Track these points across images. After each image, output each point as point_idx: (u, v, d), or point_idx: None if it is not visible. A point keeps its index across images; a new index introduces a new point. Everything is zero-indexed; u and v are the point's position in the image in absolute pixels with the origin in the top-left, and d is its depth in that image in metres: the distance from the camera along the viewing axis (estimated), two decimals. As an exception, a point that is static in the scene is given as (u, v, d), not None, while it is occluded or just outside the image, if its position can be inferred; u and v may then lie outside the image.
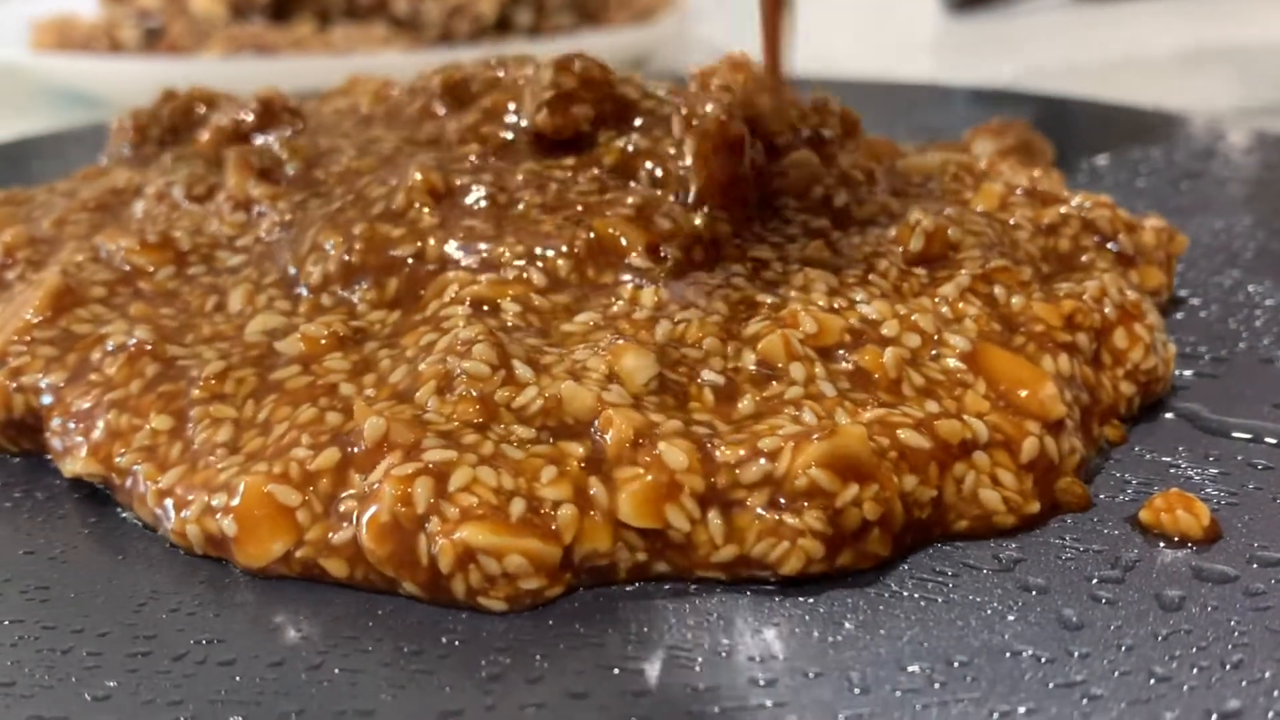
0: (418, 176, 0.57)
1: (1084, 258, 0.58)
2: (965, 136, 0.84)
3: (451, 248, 0.54)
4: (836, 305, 0.50)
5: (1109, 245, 0.59)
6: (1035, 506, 0.44)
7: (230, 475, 0.44)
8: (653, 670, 0.37)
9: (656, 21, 1.47)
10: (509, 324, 0.49)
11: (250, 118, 0.72)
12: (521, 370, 0.45)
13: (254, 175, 0.63)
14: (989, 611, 0.39)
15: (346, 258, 0.54)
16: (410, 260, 0.54)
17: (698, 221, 0.55)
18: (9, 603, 0.42)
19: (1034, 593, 0.40)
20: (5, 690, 0.37)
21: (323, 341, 0.50)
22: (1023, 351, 0.49)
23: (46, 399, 0.50)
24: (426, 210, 0.56)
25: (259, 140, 0.70)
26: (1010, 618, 0.39)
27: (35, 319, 0.53)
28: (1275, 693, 0.35)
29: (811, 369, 0.47)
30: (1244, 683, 0.35)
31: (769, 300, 0.51)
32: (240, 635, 0.40)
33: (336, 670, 0.38)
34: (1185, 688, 0.35)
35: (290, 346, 0.50)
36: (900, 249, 0.55)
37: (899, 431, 0.44)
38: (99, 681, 0.37)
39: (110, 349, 0.50)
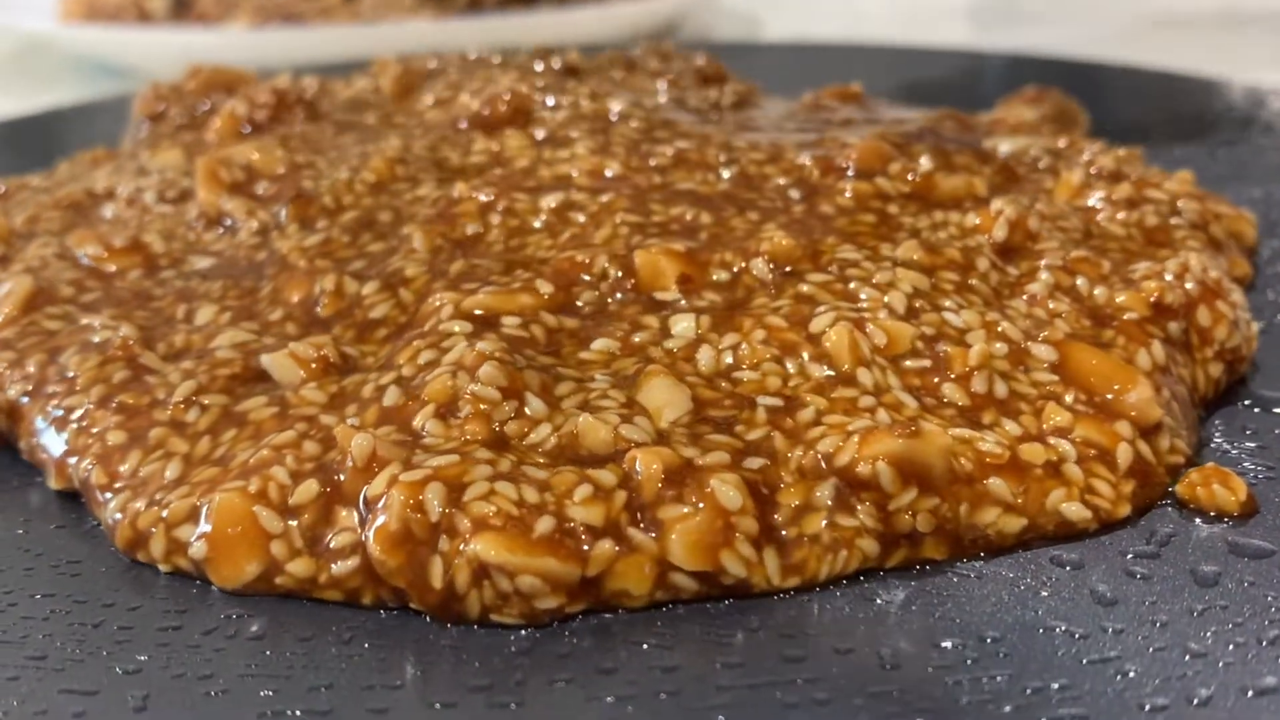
0: (418, 244, 0.55)
1: (1177, 235, 0.57)
2: (998, 104, 0.84)
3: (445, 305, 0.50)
4: (919, 305, 0.49)
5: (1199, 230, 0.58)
6: (1125, 510, 0.42)
7: (186, 498, 0.42)
8: (680, 646, 0.37)
9: None
10: (514, 337, 0.47)
11: (262, 114, 0.73)
12: (535, 405, 0.43)
13: (225, 189, 0.62)
14: (1022, 587, 0.39)
15: (318, 309, 0.52)
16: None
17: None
18: (41, 577, 0.42)
19: (1067, 568, 0.40)
20: (37, 664, 0.37)
21: (312, 365, 0.47)
22: (1113, 346, 0.48)
23: (24, 399, 0.49)
24: (425, 273, 0.53)
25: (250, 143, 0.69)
26: (1044, 593, 0.39)
27: (7, 318, 0.53)
28: (1313, 669, 0.34)
29: (884, 376, 0.45)
30: (1281, 659, 0.35)
31: (840, 305, 0.48)
32: (269, 611, 0.40)
33: (366, 645, 0.38)
34: (1221, 664, 0.35)
35: (279, 366, 0.47)
36: (986, 238, 0.54)
37: (984, 455, 0.42)
38: (129, 655, 0.37)
39: (94, 342, 0.50)
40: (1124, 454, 0.44)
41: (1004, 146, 0.68)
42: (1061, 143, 0.69)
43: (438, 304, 0.49)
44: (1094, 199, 0.60)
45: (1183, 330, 0.50)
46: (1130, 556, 0.40)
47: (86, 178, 0.71)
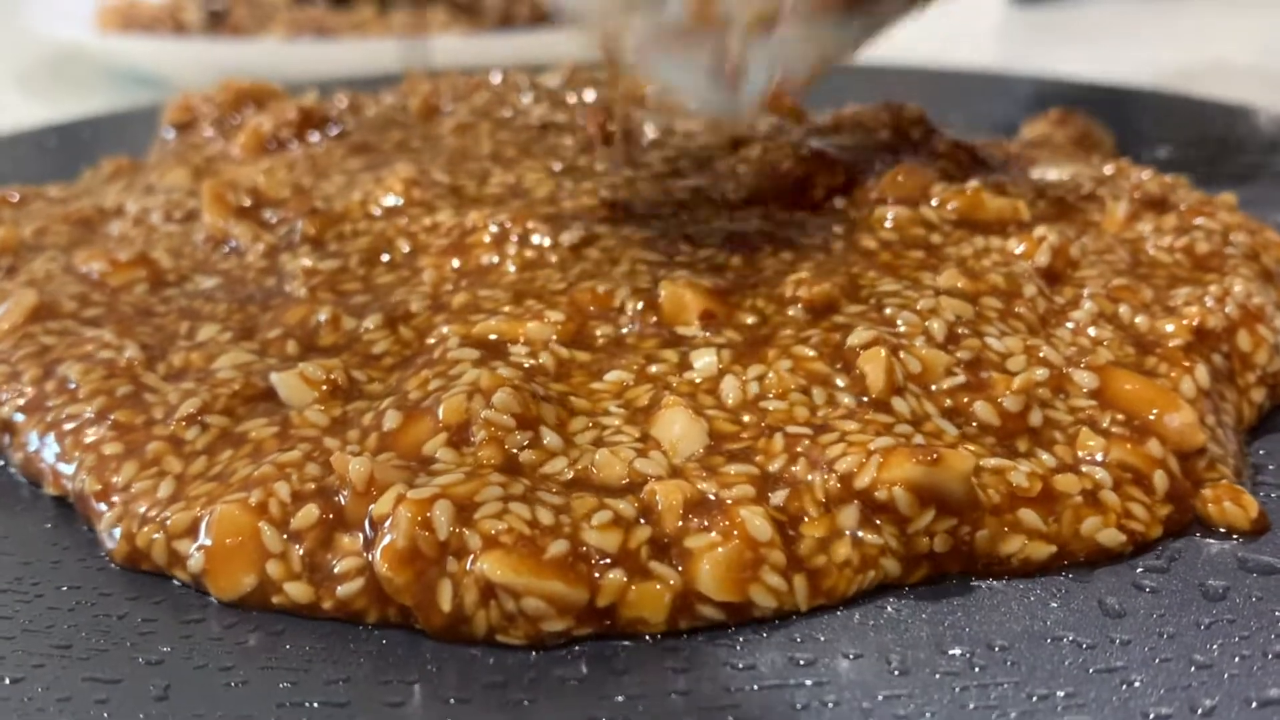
0: (427, 278, 0.56)
1: (1229, 263, 0.56)
2: (1023, 126, 0.84)
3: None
4: (961, 332, 0.48)
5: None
6: (1158, 533, 0.42)
7: (185, 511, 0.42)
8: (690, 646, 0.38)
9: None
10: (525, 366, 0.47)
11: (288, 131, 0.74)
12: (551, 439, 0.43)
13: (232, 213, 0.62)
14: (1031, 598, 0.39)
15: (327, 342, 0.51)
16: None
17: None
18: (67, 570, 0.43)
19: (1077, 581, 0.40)
20: (62, 652, 0.38)
21: (323, 386, 0.47)
22: (1156, 374, 0.48)
23: (19, 416, 0.49)
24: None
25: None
26: (1053, 604, 0.39)
27: (12, 329, 0.53)
28: (1319, 683, 0.35)
29: (920, 405, 0.45)
30: (1286, 672, 0.35)
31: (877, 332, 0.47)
32: (290, 606, 0.40)
33: (384, 641, 0.38)
34: (1226, 676, 0.35)
35: (288, 386, 0.47)
36: (1030, 263, 0.54)
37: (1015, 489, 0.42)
38: (152, 646, 0.38)
39: (99, 358, 0.50)
40: (1160, 480, 0.43)
41: (1052, 174, 0.68)
42: (1108, 169, 0.69)
43: (444, 333, 0.49)
44: (1142, 228, 0.59)
45: (1225, 356, 0.50)
46: (1140, 570, 0.41)
47: (99, 192, 0.72)
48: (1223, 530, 0.43)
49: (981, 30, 1.68)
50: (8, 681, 0.36)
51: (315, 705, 0.35)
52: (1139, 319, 0.51)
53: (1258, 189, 0.77)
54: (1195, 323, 0.50)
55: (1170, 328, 0.50)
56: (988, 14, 1.76)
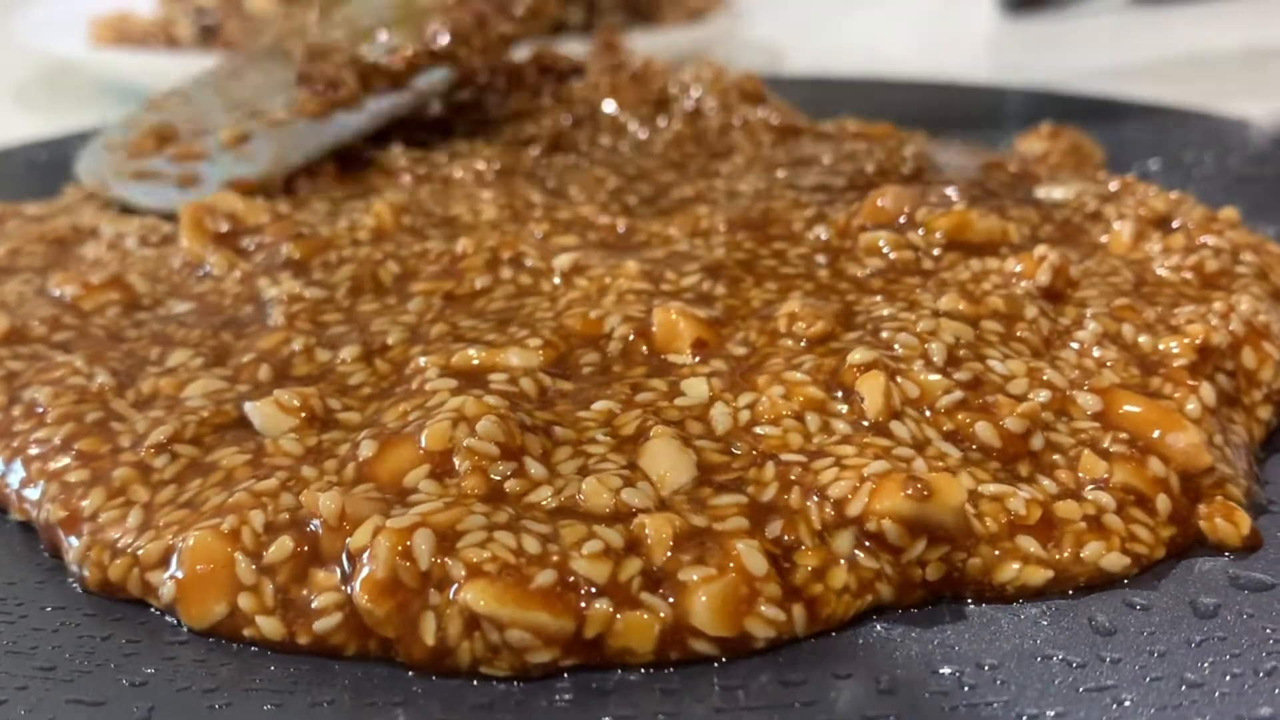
0: (412, 306, 0.55)
1: (1238, 282, 0.56)
2: (1016, 140, 0.84)
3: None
4: (961, 354, 0.48)
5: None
6: (1161, 554, 0.42)
7: (156, 540, 0.41)
8: (679, 668, 0.37)
9: (708, 21, 1.46)
10: (506, 392, 0.45)
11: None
12: (536, 470, 0.42)
13: (210, 239, 0.61)
14: (1022, 616, 0.39)
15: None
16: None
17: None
18: (52, 591, 0.42)
19: (1067, 598, 0.40)
20: (45, 674, 0.37)
21: (301, 414, 0.46)
22: (1161, 395, 0.47)
23: None
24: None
25: None
26: (1043, 622, 0.39)
27: None
28: (1310, 701, 0.34)
29: (920, 429, 0.44)
30: (1277, 690, 0.35)
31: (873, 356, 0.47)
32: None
33: (367, 667, 0.38)
34: (1217, 694, 0.35)
35: (262, 415, 0.46)
36: (1031, 283, 0.53)
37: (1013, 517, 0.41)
38: (136, 668, 0.38)
39: (68, 383, 0.49)
40: (1164, 502, 0.43)
41: (1057, 193, 0.68)
42: (1114, 185, 0.68)
43: (422, 364, 0.48)
44: (1149, 248, 0.59)
45: (1230, 374, 0.50)
46: (1130, 587, 0.41)
47: (77, 210, 0.72)
48: (1215, 546, 0.42)
49: (973, 42, 1.68)
50: (-11, 705, 0.36)
51: (299, 727, 0.35)
52: (1142, 338, 0.50)
53: (1251, 200, 0.77)
54: (1199, 341, 0.49)
55: (1175, 347, 0.49)
56: (979, 26, 1.76)
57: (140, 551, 0.41)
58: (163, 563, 0.41)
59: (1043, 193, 0.69)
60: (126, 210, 0.71)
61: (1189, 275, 0.56)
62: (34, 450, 0.46)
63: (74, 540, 0.43)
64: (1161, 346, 0.50)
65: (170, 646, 0.39)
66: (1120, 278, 0.56)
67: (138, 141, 0.77)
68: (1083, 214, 0.64)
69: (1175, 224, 0.62)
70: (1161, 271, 0.57)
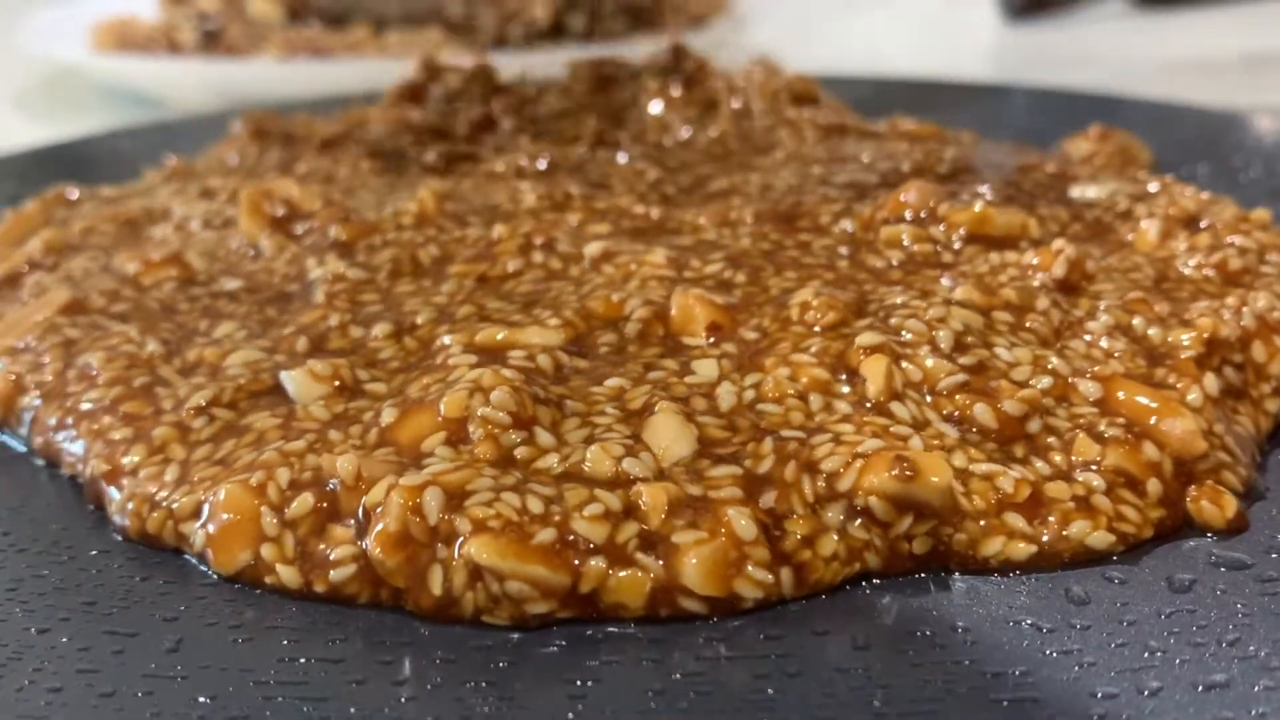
0: (446, 288, 0.58)
1: (1261, 280, 0.57)
2: (1065, 143, 0.85)
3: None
4: (969, 341, 0.49)
5: None
6: (1149, 534, 0.43)
7: (190, 495, 0.44)
8: (669, 625, 0.40)
9: (708, 27, 1.47)
10: (523, 367, 0.48)
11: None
12: (544, 438, 0.44)
13: (268, 224, 0.65)
14: (1002, 586, 0.41)
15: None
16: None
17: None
18: (99, 537, 0.46)
19: (1048, 571, 0.42)
20: (87, 608, 0.41)
21: (335, 383, 0.49)
22: (1165, 385, 0.48)
23: (38, 401, 0.52)
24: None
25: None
26: (1020, 590, 0.41)
27: (43, 322, 0.56)
28: (1267, 669, 0.36)
29: (921, 411, 0.46)
30: (1236, 659, 0.36)
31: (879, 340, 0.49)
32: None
33: (379, 614, 0.41)
34: (1177, 661, 0.37)
35: (297, 383, 0.49)
36: (1046, 275, 0.55)
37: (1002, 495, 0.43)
38: (170, 604, 0.41)
39: (121, 350, 0.53)
40: (1154, 486, 0.44)
41: (1091, 192, 0.69)
42: (1153, 186, 0.69)
43: (446, 342, 0.51)
44: (1175, 246, 0.60)
45: (1239, 367, 0.51)
46: (1112, 564, 0.42)
47: (153, 193, 0.76)
48: (1202, 528, 0.44)
49: (975, 48, 1.68)
50: (34, 631, 0.40)
51: (313, 661, 0.38)
52: (1152, 331, 0.51)
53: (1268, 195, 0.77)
54: (1207, 334, 0.50)
55: (1185, 339, 0.50)
56: (981, 31, 1.75)
57: (175, 505, 0.44)
58: (195, 514, 0.44)
59: (1076, 192, 0.70)
60: (205, 192, 0.74)
61: (1211, 273, 0.57)
62: (84, 409, 0.50)
63: (115, 492, 0.46)
64: (1171, 339, 0.51)
65: (200, 589, 0.42)
66: (1141, 274, 0.57)
67: None
68: (1114, 213, 0.65)
69: (1204, 224, 0.62)
70: (1184, 269, 0.58)
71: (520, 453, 0.44)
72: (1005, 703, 0.35)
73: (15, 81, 1.49)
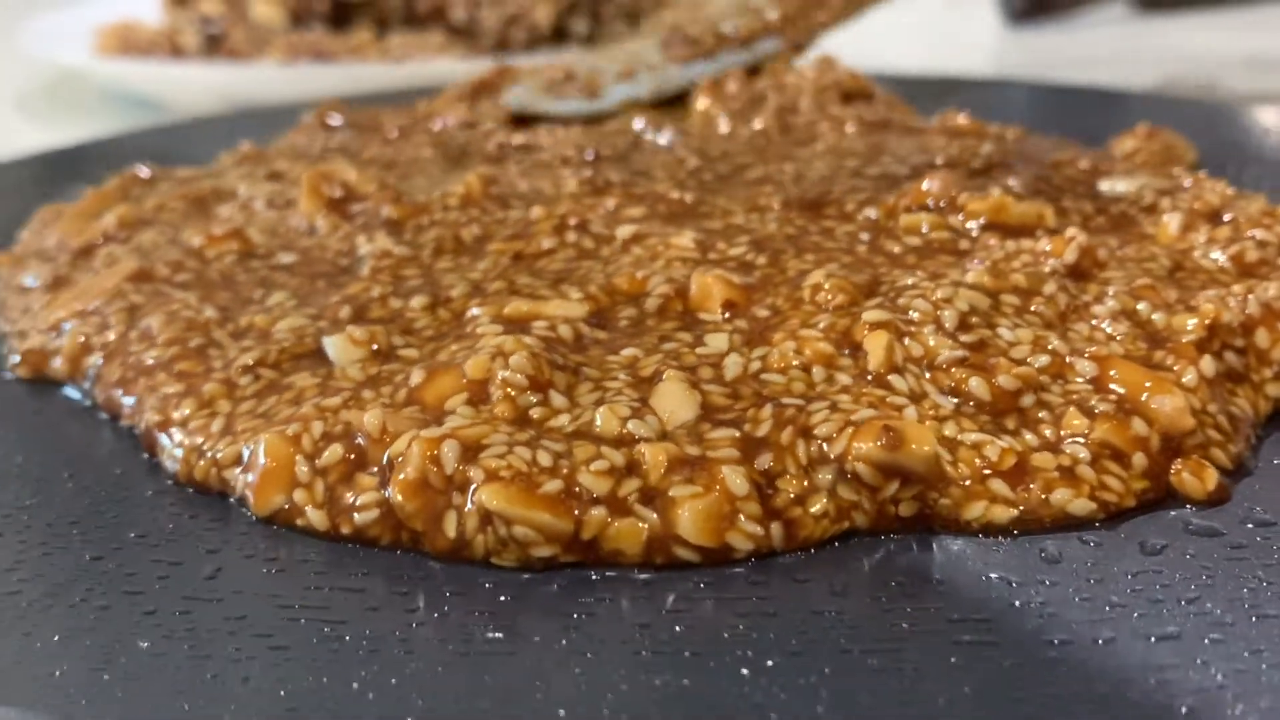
0: (483, 265, 0.61)
1: (1277, 271, 0.58)
2: (1111, 141, 0.86)
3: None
4: (974, 321, 0.52)
5: None
6: (1131, 504, 0.45)
7: (232, 445, 0.48)
8: (665, 571, 0.43)
9: None
10: (544, 337, 0.51)
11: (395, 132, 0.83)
12: (558, 401, 0.47)
13: (324, 205, 0.69)
14: (981, 546, 0.43)
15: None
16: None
17: None
18: (156, 479, 0.50)
19: (1025, 533, 0.44)
20: (137, 540, 0.45)
21: (373, 346, 0.53)
22: (1163, 366, 0.50)
23: (101, 359, 0.57)
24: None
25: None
26: (997, 549, 0.43)
27: (111, 289, 0.61)
28: (1220, 624, 0.38)
29: (919, 384, 0.48)
30: (1192, 614, 0.39)
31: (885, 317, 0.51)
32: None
33: (399, 553, 0.45)
34: (1135, 614, 0.39)
35: (336, 347, 0.53)
36: (1058, 261, 0.57)
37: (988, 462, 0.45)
38: (215, 538, 0.46)
39: (180, 315, 0.57)
40: (1139, 460, 0.46)
41: (1120, 187, 0.70)
42: (1187, 181, 0.70)
43: (476, 313, 0.54)
44: (1194, 238, 0.61)
45: (1240, 352, 0.52)
46: (1094, 527, 0.44)
47: (224, 175, 0.81)
48: (1184, 500, 0.46)
49: (976, 51, 1.68)
50: (88, 558, 0.44)
51: (335, 590, 0.42)
52: (1156, 316, 0.53)
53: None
54: (1209, 319, 0.52)
55: (1189, 324, 0.52)
56: (982, 35, 1.75)
57: (220, 454, 0.48)
58: (237, 461, 0.48)
59: (1106, 186, 0.71)
60: (273, 175, 0.79)
61: (1227, 264, 0.59)
62: (143, 366, 0.54)
63: (167, 441, 0.51)
64: (1175, 323, 0.52)
65: (241, 526, 0.46)
66: (1155, 264, 0.59)
67: (551, 76, 1.00)
68: (1139, 207, 0.67)
69: (1227, 217, 0.64)
70: (1201, 260, 0.59)
71: (535, 413, 0.47)
72: (965, 643, 0.38)
73: (17, 84, 1.52)
